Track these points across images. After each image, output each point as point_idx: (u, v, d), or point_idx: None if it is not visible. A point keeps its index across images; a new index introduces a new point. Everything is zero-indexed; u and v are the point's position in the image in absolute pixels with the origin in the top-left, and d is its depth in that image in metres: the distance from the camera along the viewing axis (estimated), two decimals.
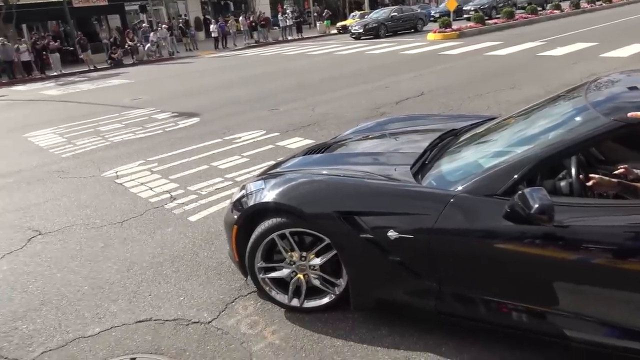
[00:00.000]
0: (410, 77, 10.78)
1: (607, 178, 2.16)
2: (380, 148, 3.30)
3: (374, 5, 35.18)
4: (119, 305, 3.05)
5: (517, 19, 22.46)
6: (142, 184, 5.32)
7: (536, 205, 1.88)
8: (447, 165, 2.56)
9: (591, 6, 26.35)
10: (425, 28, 24.26)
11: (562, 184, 2.31)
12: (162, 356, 2.54)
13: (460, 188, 2.24)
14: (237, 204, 2.89)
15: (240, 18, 28.34)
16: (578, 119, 2.30)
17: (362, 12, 30.69)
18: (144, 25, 26.58)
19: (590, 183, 2.16)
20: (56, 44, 22.41)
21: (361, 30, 23.32)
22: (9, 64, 19.93)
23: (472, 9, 26.45)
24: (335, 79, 11.54)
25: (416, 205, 2.31)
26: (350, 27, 24.80)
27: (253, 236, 2.71)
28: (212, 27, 26.20)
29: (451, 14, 21.24)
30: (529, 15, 23.14)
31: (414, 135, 3.44)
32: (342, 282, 2.63)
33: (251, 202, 2.78)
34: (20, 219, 4.67)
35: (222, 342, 2.61)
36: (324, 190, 2.61)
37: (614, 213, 2.05)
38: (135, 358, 2.54)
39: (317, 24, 31.74)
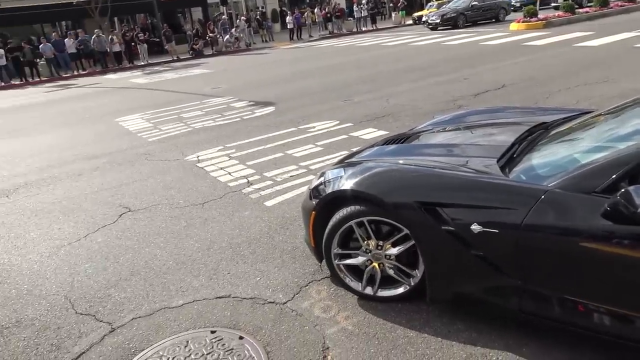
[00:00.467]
0: (490, 68, 10.33)
1: None
2: (459, 140, 3.20)
3: None
4: (200, 280, 3.22)
5: (611, 7, 20.73)
6: (221, 168, 5.56)
7: None
8: (539, 160, 2.43)
9: None
10: (507, 18, 23.08)
11: None
12: (240, 331, 2.65)
13: (553, 183, 2.12)
14: (316, 191, 2.93)
15: (316, 9, 28.55)
16: None
17: (439, 1, 29.73)
18: (223, 17, 27.57)
19: None
20: (145, 35, 23.86)
21: (438, 21, 22.64)
22: (102, 54, 21.54)
23: None
24: (410, 71, 11.33)
25: (504, 199, 2.22)
26: (426, 18, 24.12)
27: (331, 223, 2.75)
28: (288, 18, 26.67)
29: (537, 2, 20.01)
30: (625, 3, 21.25)
31: (495, 128, 3.30)
32: (418, 273, 2.59)
33: (329, 190, 2.81)
34: (112, 196, 5.06)
35: (296, 323, 2.68)
36: (405, 179, 2.58)
37: None
38: (215, 331, 2.68)
39: (392, 15, 31.24)
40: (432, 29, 22.89)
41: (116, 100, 12.26)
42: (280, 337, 2.58)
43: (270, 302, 2.90)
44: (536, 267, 2.16)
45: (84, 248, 3.90)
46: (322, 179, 2.98)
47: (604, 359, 2.16)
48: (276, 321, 2.71)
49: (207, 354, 2.49)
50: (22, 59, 20.22)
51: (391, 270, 2.68)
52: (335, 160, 3.99)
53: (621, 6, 20.98)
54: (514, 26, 18.59)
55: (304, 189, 3.13)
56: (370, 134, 6.34)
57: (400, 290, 2.69)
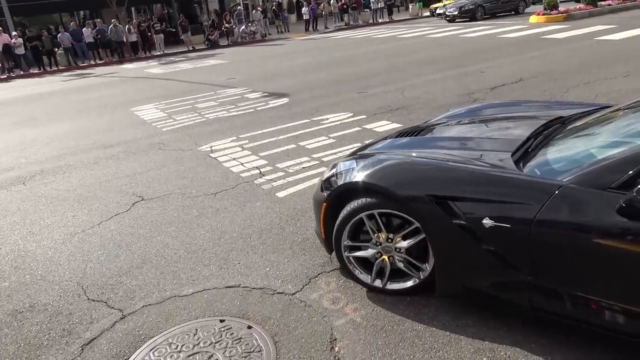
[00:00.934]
0: (508, 61, 10.16)
1: None
2: (474, 133, 3.15)
3: None
4: (211, 270, 3.24)
5: (635, 1, 20.20)
6: (234, 159, 5.58)
7: None
8: (554, 154, 2.39)
9: None
10: (527, 10, 22.66)
11: None
12: (249, 321, 2.66)
13: (568, 178, 2.08)
14: (327, 183, 2.92)
15: (332, 0, 28.35)
16: None
17: None
18: (239, 8, 27.56)
19: None
20: (161, 26, 23.98)
21: (456, 13, 22.32)
22: (119, 44, 21.71)
23: None
24: (426, 63, 11.20)
25: (517, 194, 2.18)
26: (443, 9, 23.79)
27: (341, 215, 2.73)
28: (303, 9, 26.55)
29: None
30: None
31: (511, 122, 3.24)
32: (428, 267, 2.57)
33: (341, 181, 2.79)
34: (126, 185, 5.11)
35: (304, 314, 2.68)
36: (417, 172, 2.56)
37: None
38: (224, 320, 2.70)
39: (409, 7, 30.88)
40: (449, 21, 22.59)
41: (132, 90, 12.37)
42: (289, 327, 2.59)
43: (280, 293, 2.90)
44: (548, 263, 2.13)
45: (97, 235, 3.95)
46: (333, 170, 2.97)
47: (615, 357, 2.12)
48: (285, 312, 2.72)
49: (216, 343, 2.51)
50: (40, 48, 20.48)
51: (401, 263, 2.66)
52: (348, 152, 3.97)
53: None
54: (533, 19, 18.24)
55: (316, 180, 3.12)
56: (384, 126, 6.30)
57: (410, 283, 2.67)
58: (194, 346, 2.51)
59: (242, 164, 5.37)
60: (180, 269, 3.30)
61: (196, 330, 2.64)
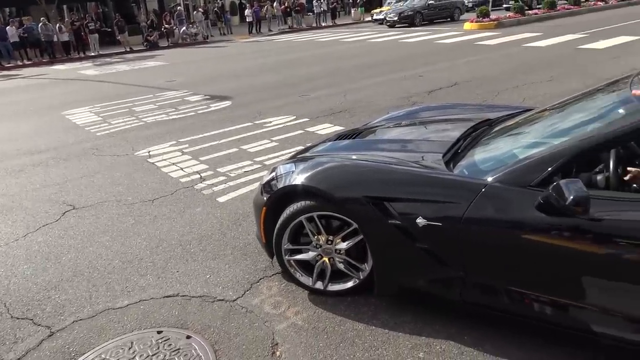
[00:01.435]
0: (444, 67, 10.57)
1: None
2: (411, 136, 3.26)
3: None
4: (148, 280, 3.13)
5: (558, 10, 21.68)
6: (173, 164, 5.42)
7: (571, 197, 1.83)
8: (481, 155, 2.51)
9: None
10: (462, 17, 23.70)
11: (599, 177, 2.24)
12: (188, 330, 2.59)
13: (492, 178, 2.19)
14: (267, 186, 2.90)
15: (275, 3, 28.29)
16: (621, 111, 2.21)
17: None
18: (179, 8, 26.85)
19: (627, 177, 2.08)
20: (96, 25, 22.92)
21: (396, 18, 22.96)
22: (49, 43, 20.52)
23: None
24: (367, 67, 11.42)
25: (447, 194, 2.28)
26: (384, 15, 24.43)
27: (281, 218, 2.73)
28: (246, 11, 26.32)
29: (489, 3, 20.65)
30: (571, 7, 22.31)
31: (446, 124, 3.37)
32: (367, 267, 2.62)
33: (281, 185, 2.79)
34: (56, 193, 4.83)
35: (245, 320, 2.65)
36: (354, 175, 2.60)
37: None
38: (161, 331, 2.61)
39: (352, 11, 31.41)
40: (390, 27, 23.19)
41: (63, 92, 11.72)
42: (229, 334, 2.54)
43: (220, 300, 2.85)
44: (476, 258, 2.23)
45: (22, 248, 3.70)
46: (273, 174, 2.96)
47: (541, 343, 2.25)
48: (225, 319, 2.67)
49: (153, 355, 2.43)
50: None
51: (341, 264, 2.69)
52: (291, 155, 3.97)
53: (567, 9, 21.99)
54: (467, 26, 19.11)
55: (258, 184, 3.09)
56: (327, 129, 6.35)
57: (350, 284, 2.71)
58: None
59: (181, 168, 5.23)
60: (115, 280, 3.16)
61: (132, 343, 2.53)
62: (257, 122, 7.05)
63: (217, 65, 14.57)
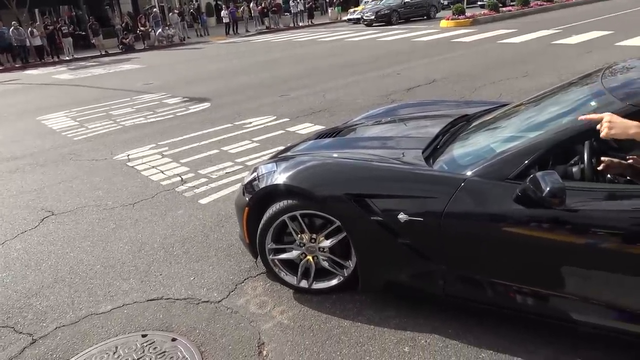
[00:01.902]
0: (422, 64, 10.68)
1: (617, 160, 2.15)
2: (390, 133, 3.29)
3: None
4: (131, 284, 3.10)
5: (531, 7, 22.10)
6: (153, 167, 5.37)
7: (548, 188, 1.87)
8: (459, 150, 2.55)
9: None
10: (438, 15, 23.98)
11: (574, 169, 2.30)
12: (173, 333, 2.58)
13: (471, 172, 2.24)
14: (249, 186, 2.90)
15: (252, 4, 28.18)
16: (593, 103, 2.27)
17: None
18: (154, 10, 26.53)
19: (600, 167, 2.15)
20: (70, 29, 22.48)
21: (373, 17, 23.10)
22: (22, 48, 20.06)
23: None
24: (346, 66, 11.48)
25: (427, 189, 2.32)
26: (361, 14, 24.55)
27: (264, 218, 2.73)
28: (223, 12, 26.16)
29: (464, 1, 20.94)
30: (544, 3, 22.76)
31: (425, 121, 3.42)
32: (351, 264, 2.65)
33: (262, 184, 2.79)
34: (33, 200, 4.74)
35: (231, 320, 2.65)
36: (335, 172, 2.62)
37: (624, 198, 2.04)
38: (146, 334, 2.59)
39: (329, 11, 31.48)
40: (367, 25, 23.31)
41: (37, 98, 11.47)
42: (215, 335, 2.54)
43: (205, 302, 2.84)
44: (458, 252, 2.27)
45: (0, 256, 3.63)
46: (255, 174, 2.96)
47: (523, 334, 2.31)
48: (210, 320, 2.67)
49: (138, 359, 2.41)
50: None
51: (325, 262, 2.71)
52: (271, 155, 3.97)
53: (540, 5, 22.42)
54: (443, 23, 19.34)
55: (240, 185, 3.09)
56: (307, 128, 6.37)
57: (334, 281, 2.73)
58: None
59: (162, 171, 5.18)
60: (97, 285, 3.12)
61: (116, 347, 2.51)
62: (237, 123, 7.03)
63: (194, 67, 14.45)
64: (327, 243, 2.65)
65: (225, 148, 5.83)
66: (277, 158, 3.08)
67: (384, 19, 22.88)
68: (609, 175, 2.20)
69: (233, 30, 26.00)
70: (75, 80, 14.21)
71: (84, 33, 24.17)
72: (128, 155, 5.89)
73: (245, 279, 3.03)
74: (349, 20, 26.04)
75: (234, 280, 3.03)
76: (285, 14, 28.49)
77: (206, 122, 7.25)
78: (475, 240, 2.21)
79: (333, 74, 10.48)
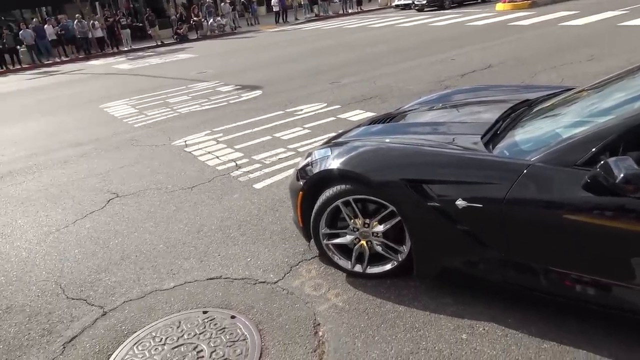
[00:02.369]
0: (477, 49, 10.33)
1: None
2: (445, 119, 3.23)
3: None
4: (191, 263, 3.24)
5: None
6: (209, 152, 5.54)
7: (622, 175, 1.79)
8: (521, 135, 2.47)
9: None
10: None
11: None
12: (232, 311, 2.68)
13: (535, 158, 2.16)
14: (303, 171, 2.94)
15: None
16: None
17: None
18: (207, 0, 27.10)
19: None
20: (128, 20, 23.42)
21: (424, 2, 22.51)
22: (84, 40, 21.12)
23: None
24: (397, 52, 11.29)
25: (488, 175, 2.26)
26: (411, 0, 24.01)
27: (318, 202, 2.77)
28: (273, 1, 26.31)
29: None
30: None
31: (481, 106, 3.33)
32: (405, 249, 2.64)
33: (316, 170, 2.82)
34: (99, 182, 5.02)
35: (287, 301, 2.72)
36: (390, 157, 2.61)
37: None
38: (207, 311, 2.71)
39: None
40: (418, 10, 22.76)
41: (100, 87, 12.08)
42: (272, 315, 2.62)
43: (262, 282, 2.93)
44: (519, 239, 2.21)
45: (72, 234, 3.89)
46: (309, 159, 2.99)
47: (587, 327, 2.23)
48: (267, 300, 2.75)
49: (200, 334, 2.52)
50: (1, 47, 19.74)
51: (379, 247, 2.72)
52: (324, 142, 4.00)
53: None
54: (499, 6, 18.56)
55: (293, 170, 3.14)
56: (358, 115, 6.35)
57: (388, 266, 2.73)
58: (178, 338, 2.51)
59: (217, 157, 5.34)
60: (160, 263, 3.28)
61: (179, 322, 2.64)
62: (288, 110, 7.11)
63: (246, 55, 14.69)
64: (380, 228, 2.65)
65: (277, 134, 5.91)
66: (331, 143, 3.10)
67: (436, 3, 22.23)
68: None
69: (283, 18, 26.15)
70: (134, 69, 14.82)
71: (141, 24, 25.10)
72: (185, 141, 6.11)
73: (299, 262, 3.09)
74: (397, 6, 25.52)
75: (289, 262, 3.10)
76: (335, 1, 28.28)
77: (258, 110, 7.38)
78: (538, 228, 2.14)
79: (384, 61, 10.35)
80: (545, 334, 2.24)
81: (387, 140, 2.88)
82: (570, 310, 2.25)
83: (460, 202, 2.25)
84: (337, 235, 2.83)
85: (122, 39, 22.24)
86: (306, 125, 6.16)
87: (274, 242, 3.37)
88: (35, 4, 25.90)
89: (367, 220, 2.69)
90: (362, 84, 8.27)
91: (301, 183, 2.90)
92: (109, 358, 2.44)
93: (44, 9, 27.02)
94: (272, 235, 3.47)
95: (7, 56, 19.92)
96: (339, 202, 2.69)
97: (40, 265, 3.46)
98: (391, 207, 2.54)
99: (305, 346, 2.36)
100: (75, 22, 20.61)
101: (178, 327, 2.60)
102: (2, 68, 19.65)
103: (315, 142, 5.35)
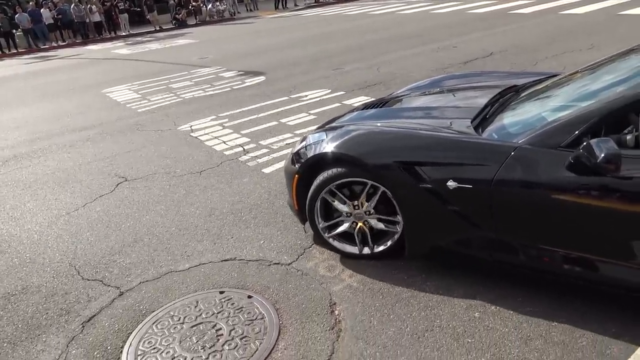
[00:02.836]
0: (478, 36, 10.32)
1: None
2: (437, 103, 3.30)
3: None
4: (205, 245, 3.28)
5: None
6: (215, 137, 5.56)
7: (602, 154, 1.87)
8: (509, 119, 2.55)
9: None
10: None
11: (629, 137, 2.24)
12: (248, 291, 2.73)
13: (522, 140, 2.24)
14: (298, 155, 3.01)
15: None
16: None
17: None
18: None
19: None
20: (126, 5, 23.16)
21: None
22: (82, 24, 20.90)
23: None
24: (398, 39, 11.26)
25: (477, 157, 2.33)
26: None
27: (313, 185, 2.83)
28: None
29: None
30: None
31: (472, 92, 3.40)
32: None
33: (311, 153, 2.88)
34: (107, 166, 5.04)
35: (302, 282, 2.77)
36: (384, 141, 2.67)
37: None
38: (224, 291, 2.76)
39: None
40: None
41: (100, 72, 12.00)
42: (288, 295, 2.67)
43: (276, 264, 2.98)
44: (507, 218, 2.30)
45: (83, 217, 3.92)
46: (304, 143, 3.06)
47: (594, 305, 2.29)
48: (282, 281, 2.80)
49: (218, 313, 2.58)
50: None
51: (380, 223, 2.77)
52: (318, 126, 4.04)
53: None
54: None
55: (289, 153, 3.18)
56: (363, 101, 6.35)
57: (390, 241, 2.78)
58: (196, 317, 2.56)
59: (224, 142, 5.36)
60: (174, 245, 3.33)
61: (197, 302, 2.69)
62: (292, 96, 7.11)
63: (246, 41, 14.60)
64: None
65: (283, 120, 5.93)
66: (325, 128, 3.15)
67: None
68: None
69: (282, 4, 25.92)
70: (134, 55, 14.72)
71: (139, 9, 24.83)
72: (191, 126, 6.12)
73: (312, 244, 3.14)
74: None
75: (301, 245, 3.15)
76: None
77: (262, 95, 7.38)
78: (525, 207, 2.22)
79: (386, 47, 10.33)
80: (554, 311, 2.31)
81: (380, 124, 2.94)
82: (577, 290, 2.31)
83: (451, 183, 2.33)
84: (336, 226, 2.90)
85: (120, 24, 22.03)
86: (312, 111, 6.17)
87: (285, 225, 3.41)
88: None
89: (356, 202, 2.75)
90: (365, 71, 8.27)
91: (296, 167, 2.96)
92: (128, 336, 2.49)
93: None
94: (284, 218, 3.51)
95: (2, 40, 19.71)
96: (325, 195, 2.77)
97: (53, 247, 3.50)
98: (371, 183, 2.61)
99: (323, 324, 2.42)
100: (72, 6, 20.36)
101: (196, 307, 2.65)
102: None
103: None
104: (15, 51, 19.66)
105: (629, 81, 2.23)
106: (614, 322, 2.19)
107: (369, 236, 2.83)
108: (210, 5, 23.83)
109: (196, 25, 22.56)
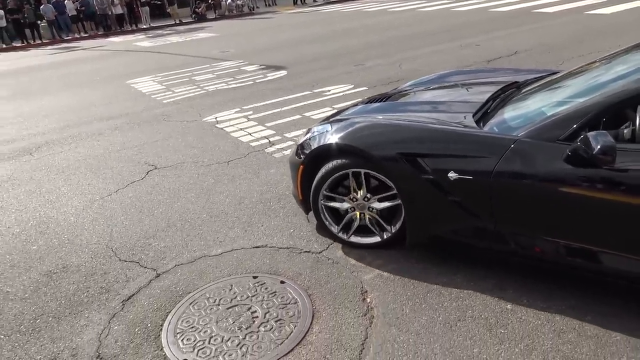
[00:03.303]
0: (502, 35, 10.27)
1: None
2: (441, 98, 3.36)
3: None
4: (236, 232, 3.36)
5: None
6: (241, 129, 5.64)
7: (598, 146, 1.92)
8: (510, 113, 2.60)
9: None
10: None
11: (625, 131, 2.28)
12: (281, 277, 2.81)
13: (522, 133, 2.30)
14: (302, 147, 3.08)
15: None
16: None
17: None
18: None
19: None
20: None
21: None
22: (104, 16, 21.20)
23: None
24: (420, 36, 11.25)
25: (477, 149, 2.39)
26: None
27: (317, 176, 2.91)
28: None
29: None
30: None
31: (476, 87, 3.45)
32: (393, 229, 2.83)
33: (316, 145, 2.95)
34: (136, 154, 5.16)
35: (333, 270, 2.84)
36: (388, 133, 2.72)
37: None
38: (257, 276, 2.84)
39: None
40: None
41: (123, 63, 12.19)
42: (320, 281, 2.74)
43: (307, 252, 3.05)
44: (506, 209, 2.35)
45: (116, 202, 4.03)
46: (309, 135, 3.14)
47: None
48: (314, 268, 2.87)
49: (252, 296, 2.66)
50: (22, 21, 19.90)
51: (371, 220, 2.87)
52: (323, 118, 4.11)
53: None
54: None
55: (294, 144, 3.25)
56: None
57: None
58: (232, 300, 2.65)
59: (250, 134, 5.45)
60: (206, 231, 3.42)
61: (231, 285, 2.78)
62: (315, 90, 7.17)
63: (267, 36, 14.69)
64: (378, 205, 2.81)
65: (307, 114, 6.00)
66: (330, 120, 3.22)
67: None
68: None
69: (301, 0, 25.97)
70: (155, 47, 14.90)
71: (159, 2, 25.07)
72: (216, 118, 6.22)
73: None
74: None
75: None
76: None
77: (285, 89, 7.45)
78: (524, 199, 2.27)
79: (407, 44, 10.33)
80: (587, 305, 2.33)
81: (382, 117, 3.01)
82: (607, 285, 2.34)
83: (452, 175, 2.39)
84: (350, 224, 2.98)
85: (141, 17, 22.30)
86: (335, 106, 6.22)
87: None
88: None
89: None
90: (387, 67, 8.29)
91: (301, 157, 3.03)
92: (167, 315, 2.59)
93: None
94: None
95: (27, 31, 20.07)
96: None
97: (90, 229, 3.61)
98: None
99: (355, 310, 2.48)
100: None
101: (230, 290, 2.73)
102: (23, 42, 19.82)
103: None
104: (39, 42, 20.03)
105: (627, 77, 2.27)
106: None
107: (354, 225, 2.94)
108: (229, 0, 23.98)
109: (215, 19, 22.73)
